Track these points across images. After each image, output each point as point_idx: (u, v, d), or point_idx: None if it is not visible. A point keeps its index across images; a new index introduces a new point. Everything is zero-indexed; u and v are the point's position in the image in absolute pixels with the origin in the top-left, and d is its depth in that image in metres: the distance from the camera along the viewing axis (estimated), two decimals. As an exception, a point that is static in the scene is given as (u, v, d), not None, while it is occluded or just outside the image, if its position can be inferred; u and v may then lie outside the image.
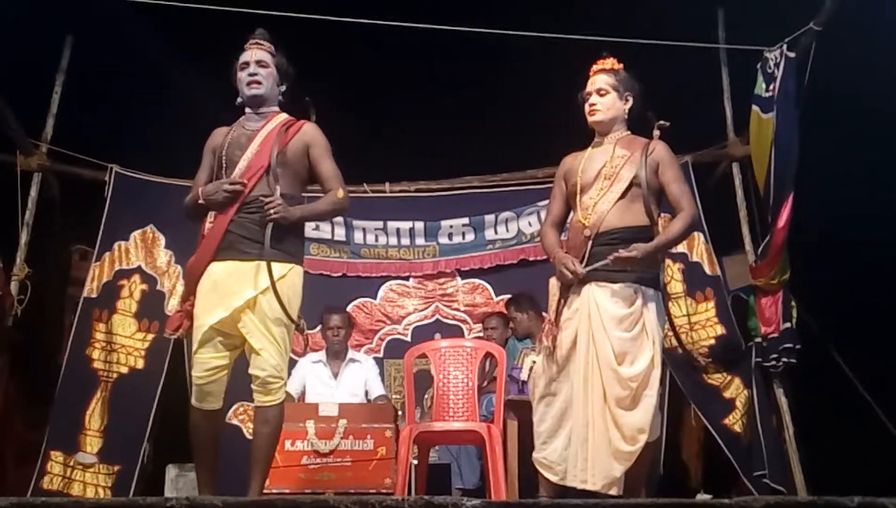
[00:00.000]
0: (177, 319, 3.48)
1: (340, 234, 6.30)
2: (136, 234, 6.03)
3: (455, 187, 6.42)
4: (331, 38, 5.33)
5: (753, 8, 5.34)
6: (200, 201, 3.40)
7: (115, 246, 5.97)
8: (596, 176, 3.58)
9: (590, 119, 3.69)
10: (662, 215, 3.68)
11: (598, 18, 5.28)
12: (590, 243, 3.47)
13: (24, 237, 5.70)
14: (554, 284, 3.60)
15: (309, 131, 3.52)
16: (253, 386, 3.35)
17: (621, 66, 3.72)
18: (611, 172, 3.55)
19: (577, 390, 3.41)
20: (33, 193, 5.81)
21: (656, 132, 3.62)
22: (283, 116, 3.56)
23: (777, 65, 5.17)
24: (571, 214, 3.69)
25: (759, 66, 5.34)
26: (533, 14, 5.26)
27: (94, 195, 6.04)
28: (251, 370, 3.33)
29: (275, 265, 3.26)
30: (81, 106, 5.96)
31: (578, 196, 3.59)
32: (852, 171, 5.39)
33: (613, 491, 3.31)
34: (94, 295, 5.85)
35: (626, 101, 3.67)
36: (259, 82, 3.50)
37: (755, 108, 5.37)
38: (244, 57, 3.54)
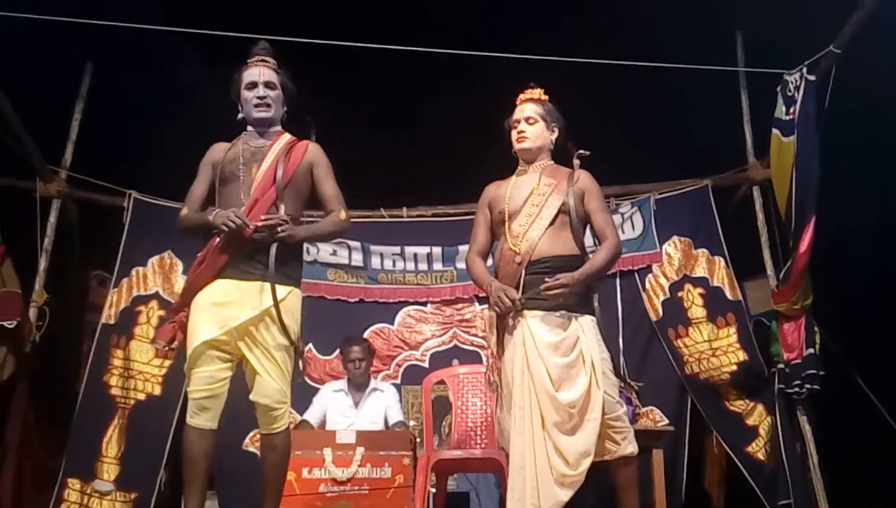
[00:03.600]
0: (169, 330, 3.38)
1: (358, 259, 6.29)
2: (154, 260, 6.04)
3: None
4: (348, 62, 5.33)
5: (773, 31, 5.31)
6: (210, 219, 3.33)
7: (133, 272, 5.99)
8: (524, 203, 3.56)
9: (517, 146, 3.68)
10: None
11: (618, 43, 5.27)
12: (522, 271, 3.45)
13: (42, 263, 5.73)
14: (488, 316, 3.55)
15: (313, 151, 3.52)
16: (257, 413, 3.29)
17: (547, 97, 3.73)
18: (539, 199, 3.54)
19: (513, 419, 3.36)
20: (52, 219, 5.84)
21: (577, 162, 3.61)
22: (288, 137, 3.54)
23: (797, 88, 5.14)
24: (497, 242, 3.67)
25: (778, 89, 5.31)
26: (553, 38, 5.25)
27: (112, 221, 6.07)
28: (252, 397, 3.26)
29: (277, 288, 3.23)
30: (101, 132, 6.00)
31: (507, 223, 3.57)
32: (874, 193, 5.34)
33: None
34: (111, 321, 5.86)
35: (553, 131, 3.67)
36: (269, 105, 3.48)
37: (775, 131, 5.34)
38: (251, 75, 3.50)
